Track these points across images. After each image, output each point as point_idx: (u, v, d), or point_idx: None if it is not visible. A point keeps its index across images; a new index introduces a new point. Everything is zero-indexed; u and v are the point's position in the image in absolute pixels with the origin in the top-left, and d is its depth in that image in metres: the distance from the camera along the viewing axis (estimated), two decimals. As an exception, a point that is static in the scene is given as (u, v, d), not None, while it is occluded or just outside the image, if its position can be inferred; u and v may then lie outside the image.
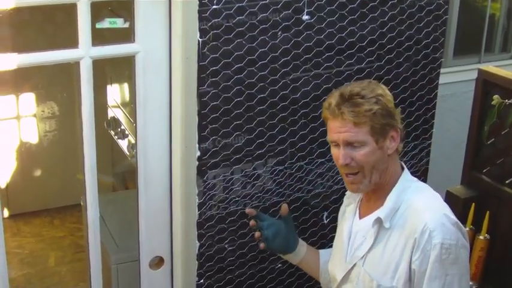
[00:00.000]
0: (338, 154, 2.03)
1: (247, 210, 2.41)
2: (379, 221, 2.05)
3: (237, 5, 2.34)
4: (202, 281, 2.64)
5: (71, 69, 2.39)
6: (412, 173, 2.88)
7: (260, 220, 2.38)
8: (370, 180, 2.04)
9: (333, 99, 2.02)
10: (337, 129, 2.01)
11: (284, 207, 2.38)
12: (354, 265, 2.12)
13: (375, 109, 1.96)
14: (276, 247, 2.38)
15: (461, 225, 2.04)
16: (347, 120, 1.98)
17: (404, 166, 2.14)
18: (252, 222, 2.38)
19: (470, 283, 2.72)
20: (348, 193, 2.28)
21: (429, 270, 1.95)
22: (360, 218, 2.15)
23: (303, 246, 2.41)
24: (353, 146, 2.00)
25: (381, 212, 2.05)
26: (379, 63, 2.69)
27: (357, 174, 2.04)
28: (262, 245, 2.35)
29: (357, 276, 2.11)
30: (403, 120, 2.10)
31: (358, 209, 2.18)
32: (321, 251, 2.46)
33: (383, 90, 2.03)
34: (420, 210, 2.00)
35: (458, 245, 1.95)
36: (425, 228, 1.94)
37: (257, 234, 2.35)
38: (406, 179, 2.09)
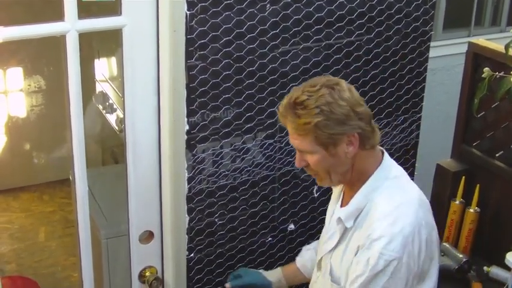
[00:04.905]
0: None
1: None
2: (341, 221, 2.01)
3: (225, -23, 2.32)
4: (192, 255, 2.64)
5: (57, 42, 2.35)
6: (402, 147, 2.91)
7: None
8: (331, 180, 1.98)
9: (284, 102, 1.93)
10: (289, 133, 1.96)
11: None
12: (323, 256, 2.11)
13: (315, 121, 1.84)
14: None
15: (421, 240, 1.88)
16: (291, 128, 1.92)
17: (385, 156, 2.01)
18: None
19: (461, 255, 2.74)
20: None
21: (358, 271, 1.90)
22: (342, 205, 2.08)
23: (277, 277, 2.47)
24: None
25: (342, 212, 2.01)
26: (368, 36, 2.67)
27: (317, 175, 2.00)
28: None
29: (324, 267, 2.10)
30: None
31: (342, 193, 2.11)
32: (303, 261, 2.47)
33: (336, 95, 1.86)
34: (377, 217, 1.90)
35: (402, 260, 1.85)
36: (370, 236, 1.88)
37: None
38: (378, 177, 1.97)
